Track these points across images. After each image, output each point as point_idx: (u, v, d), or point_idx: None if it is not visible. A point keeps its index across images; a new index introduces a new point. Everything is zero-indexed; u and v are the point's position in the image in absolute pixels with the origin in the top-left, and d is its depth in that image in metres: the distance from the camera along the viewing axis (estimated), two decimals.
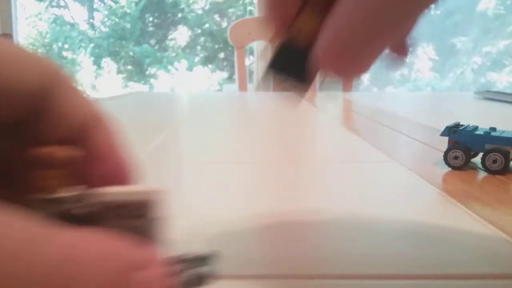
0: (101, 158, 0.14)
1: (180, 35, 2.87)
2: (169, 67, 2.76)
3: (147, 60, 2.76)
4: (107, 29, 2.77)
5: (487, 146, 0.33)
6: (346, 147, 0.46)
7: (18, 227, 0.09)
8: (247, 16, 2.36)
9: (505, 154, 0.33)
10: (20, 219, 0.10)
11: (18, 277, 0.09)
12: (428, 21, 2.88)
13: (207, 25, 2.78)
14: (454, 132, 0.35)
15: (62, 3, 2.81)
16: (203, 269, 0.14)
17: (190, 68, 2.76)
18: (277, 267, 0.18)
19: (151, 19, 2.84)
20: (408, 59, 0.16)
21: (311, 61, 0.15)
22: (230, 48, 2.51)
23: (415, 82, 2.94)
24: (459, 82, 2.85)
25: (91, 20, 2.82)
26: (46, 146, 0.14)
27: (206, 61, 2.81)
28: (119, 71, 2.77)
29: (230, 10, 2.75)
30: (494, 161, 0.33)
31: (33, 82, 0.13)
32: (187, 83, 2.76)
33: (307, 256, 0.19)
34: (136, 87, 2.78)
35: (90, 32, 2.76)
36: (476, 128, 0.36)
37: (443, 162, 0.35)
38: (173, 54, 2.80)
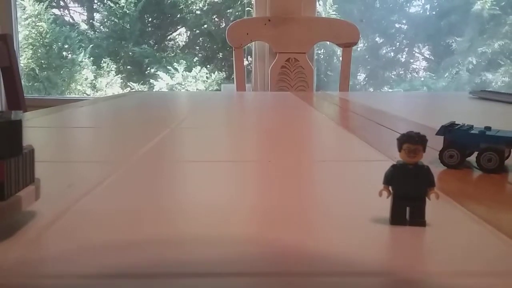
0: None
1: (179, 36, 2.87)
2: (168, 67, 2.75)
3: (146, 60, 2.75)
4: (106, 30, 2.77)
5: (482, 145, 0.34)
6: (343, 146, 0.46)
7: None
8: (245, 17, 2.35)
9: (500, 153, 0.33)
10: None
11: None
12: (424, 21, 2.88)
13: (205, 26, 2.78)
14: (449, 131, 0.35)
15: (61, 4, 2.80)
16: None
17: (189, 68, 2.76)
18: (276, 265, 0.18)
19: (150, 19, 2.84)
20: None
21: None
22: (228, 49, 2.51)
23: (411, 82, 2.93)
24: (455, 82, 2.84)
25: (90, 21, 2.81)
26: None
27: (204, 61, 2.81)
28: (118, 71, 2.76)
29: (229, 11, 2.75)
30: (489, 160, 0.33)
31: None
32: (186, 82, 2.75)
33: (305, 254, 0.19)
34: (135, 87, 2.78)
35: (90, 33, 2.75)
36: (471, 127, 0.36)
37: (438, 161, 0.35)
38: (172, 54, 2.80)
